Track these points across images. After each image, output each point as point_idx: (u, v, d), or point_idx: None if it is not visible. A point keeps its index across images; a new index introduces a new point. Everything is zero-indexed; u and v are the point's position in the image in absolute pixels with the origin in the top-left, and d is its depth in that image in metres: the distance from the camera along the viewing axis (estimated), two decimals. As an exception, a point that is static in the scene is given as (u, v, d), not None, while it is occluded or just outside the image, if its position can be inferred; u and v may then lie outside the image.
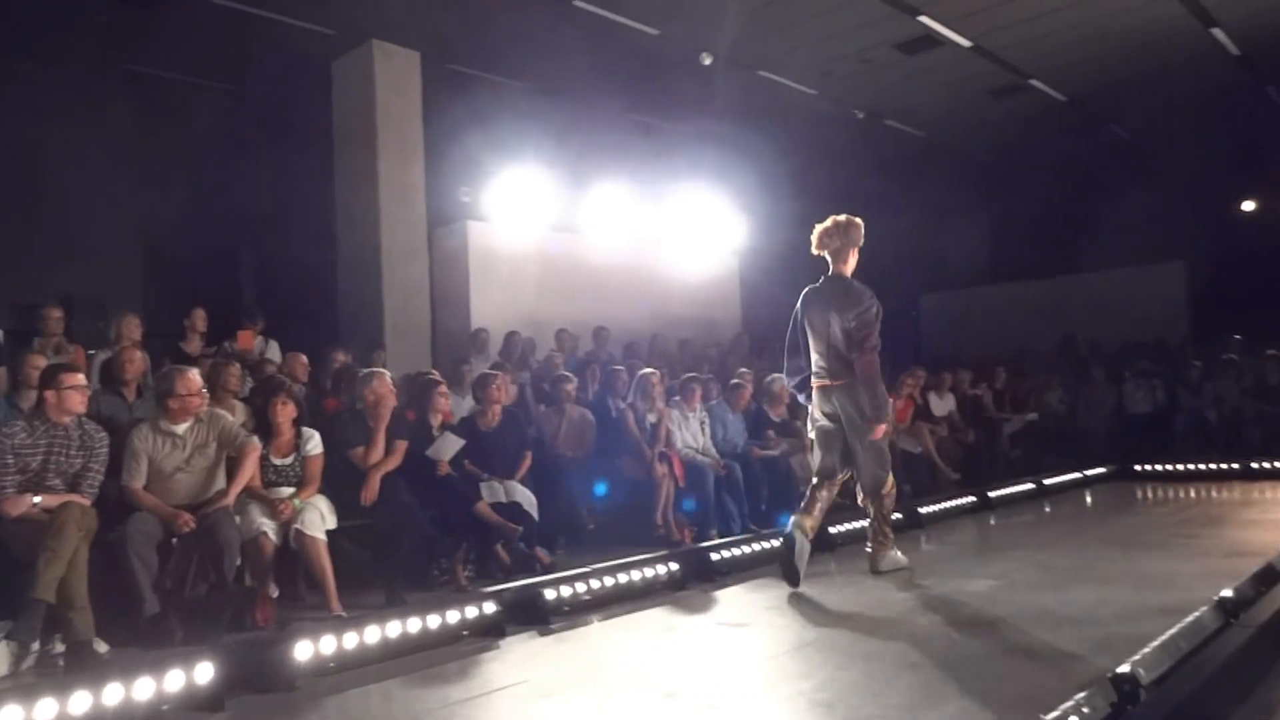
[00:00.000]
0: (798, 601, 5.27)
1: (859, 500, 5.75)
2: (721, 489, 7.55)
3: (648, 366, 8.35)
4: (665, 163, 12.07)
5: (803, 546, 5.44)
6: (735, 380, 8.58)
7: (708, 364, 10.46)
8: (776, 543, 5.99)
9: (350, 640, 4.27)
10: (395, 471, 5.72)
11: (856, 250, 5.50)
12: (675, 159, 12.17)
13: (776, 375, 8.88)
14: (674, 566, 5.73)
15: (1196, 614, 3.97)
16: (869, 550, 5.85)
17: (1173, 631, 3.70)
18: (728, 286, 13.36)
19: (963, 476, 10.03)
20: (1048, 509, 8.79)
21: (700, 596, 5.55)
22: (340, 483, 5.56)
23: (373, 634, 4.34)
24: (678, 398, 7.96)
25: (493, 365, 8.19)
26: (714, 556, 6.03)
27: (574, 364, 9.53)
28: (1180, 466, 10.18)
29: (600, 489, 7.34)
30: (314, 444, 5.47)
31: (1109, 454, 11.04)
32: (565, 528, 7.05)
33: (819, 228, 5.51)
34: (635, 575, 5.52)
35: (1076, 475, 10.00)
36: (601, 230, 11.42)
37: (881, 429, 5.40)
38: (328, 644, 4.19)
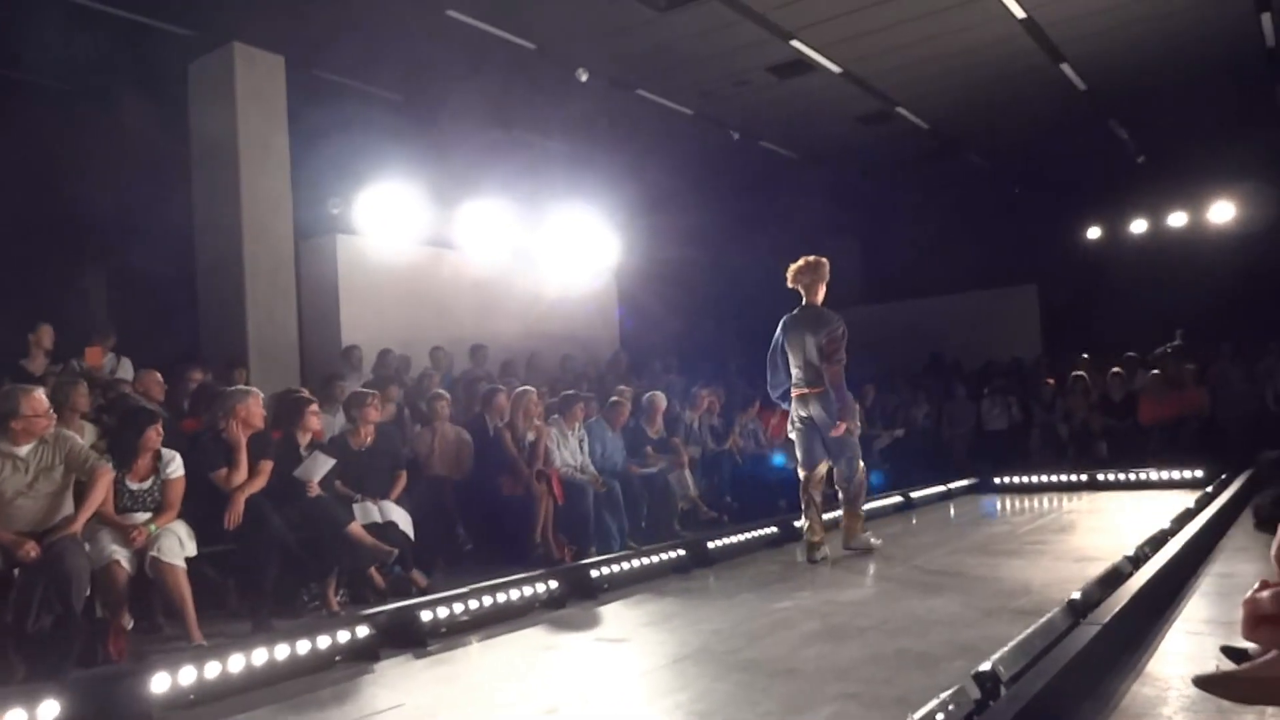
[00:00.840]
0: (676, 616, 5.35)
1: (835, 484, 6.87)
2: (601, 506, 7.60)
3: (526, 384, 8.34)
4: (542, 178, 12.09)
5: (824, 554, 6.73)
6: (614, 398, 8.65)
7: (586, 382, 10.51)
8: (657, 558, 6.43)
9: (212, 670, 4.10)
10: (261, 493, 5.57)
11: (824, 284, 6.78)
12: (552, 175, 12.20)
13: (654, 393, 9.04)
14: (553, 584, 5.76)
15: (1049, 615, 4.22)
16: (842, 529, 7.00)
17: (1028, 632, 3.92)
18: (605, 304, 13.45)
19: (836, 491, 10.37)
20: (914, 520, 9.14)
21: (580, 614, 5.59)
22: (201, 507, 5.37)
23: (237, 662, 4.18)
24: (556, 415, 7.99)
25: (366, 383, 8.03)
26: (593, 573, 6.08)
27: (450, 382, 9.43)
28: (1035, 478, 10.73)
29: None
30: (175, 466, 5.26)
31: (971, 467, 11.58)
32: (442, 549, 6.98)
33: (793, 266, 6.78)
34: (514, 594, 5.51)
35: (941, 488, 10.44)
36: (478, 246, 11.35)
37: (843, 427, 6.63)
38: (187, 675, 4.01)
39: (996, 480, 10.93)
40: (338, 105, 10.30)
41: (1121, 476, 10.30)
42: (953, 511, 9.66)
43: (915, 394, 13.44)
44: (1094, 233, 15.96)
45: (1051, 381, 12.56)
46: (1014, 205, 15.42)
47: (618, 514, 7.70)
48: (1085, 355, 13.26)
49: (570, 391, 8.49)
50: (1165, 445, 11.22)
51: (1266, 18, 10.22)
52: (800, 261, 6.81)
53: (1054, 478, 10.61)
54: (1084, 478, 10.43)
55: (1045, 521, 8.33)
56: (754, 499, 9.52)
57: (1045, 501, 9.78)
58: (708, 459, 9.47)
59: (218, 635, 4.86)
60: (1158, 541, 6.01)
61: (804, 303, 6.85)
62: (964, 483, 10.88)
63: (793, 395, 6.80)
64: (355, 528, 5.86)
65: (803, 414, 6.80)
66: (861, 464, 6.89)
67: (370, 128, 10.39)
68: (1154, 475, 10.20)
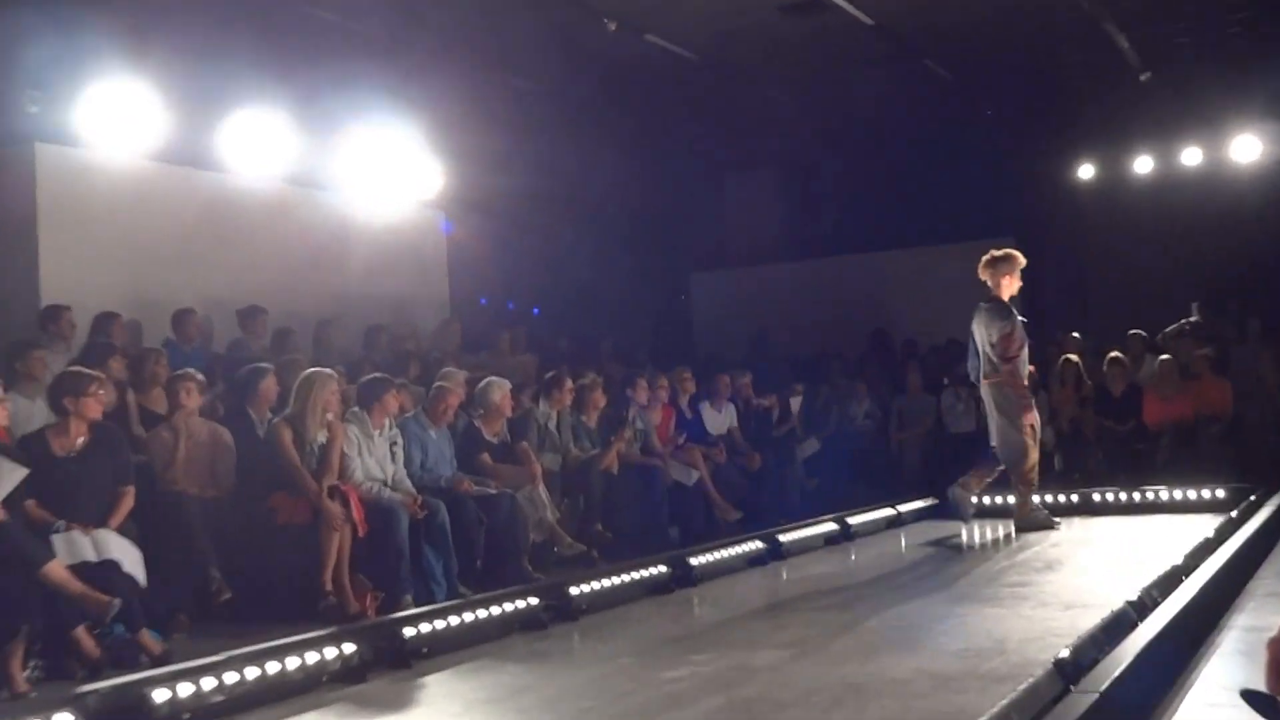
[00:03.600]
0: (526, 691, 5.29)
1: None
2: (420, 538, 7.49)
3: (315, 364, 8.13)
4: (341, 77, 11.74)
5: (967, 509, 9.72)
6: (440, 384, 8.53)
7: (401, 361, 10.32)
8: (500, 610, 6.52)
9: None
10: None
11: (1009, 277, 9.27)
12: (355, 73, 11.86)
13: (495, 380, 8.96)
14: (350, 649, 5.70)
15: (1031, 681, 4.29)
16: (1015, 509, 9.68)
17: (1003, 704, 3.98)
18: (429, 253, 13.26)
19: (745, 515, 10.40)
20: (854, 556, 9.25)
21: (388, 689, 5.55)
22: None
23: None
24: (357, 409, 7.84)
25: (76, 360, 7.68)
26: (408, 632, 6.04)
27: (204, 360, 9.15)
28: (1011, 499, 10.95)
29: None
30: None
31: (928, 483, 11.85)
32: (188, 600, 6.82)
33: (984, 258, 9.44)
34: (293, 663, 5.42)
35: (888, 511, 10.62)
36: (247, 169, 10.94)
37: (1030, 416, 9.31)
38: None
39: (960, 501, 11.21)
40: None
41: (1123, 496, 10.63)
42: (904, 543, 9.81)
43: (852, 385, 13.66)
44: (1087, 172, 16.34)
45: (1032, 369, 12.83)
46: (985, 133, 15.73)
47: (444, 548, 7.60)
48: (1075, 335, 13.63)
49: (377, 375, 8.29)
50: (1178, 455, 11.61)
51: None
52: (986, 256, 9.40)
53: (1035, 499, 10.85)
54: (1074, 498, 10.74)
55: (1025, 556, 8.54)
56: (636, 527, 9.53)
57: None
58: (571, 471, 9.43)
59: None
60: (1168, 583, 6.21)
61: (989, 294, 9.33)
62: (919, 504, 11.10)
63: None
64: (56, 569, 5.62)
65: (984, 398, 9.60)
66: (1032, 455, 9.39)
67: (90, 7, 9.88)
68: (1163, 494, 10.56)
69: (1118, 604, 5.55)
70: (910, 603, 6.90)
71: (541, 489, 8.75)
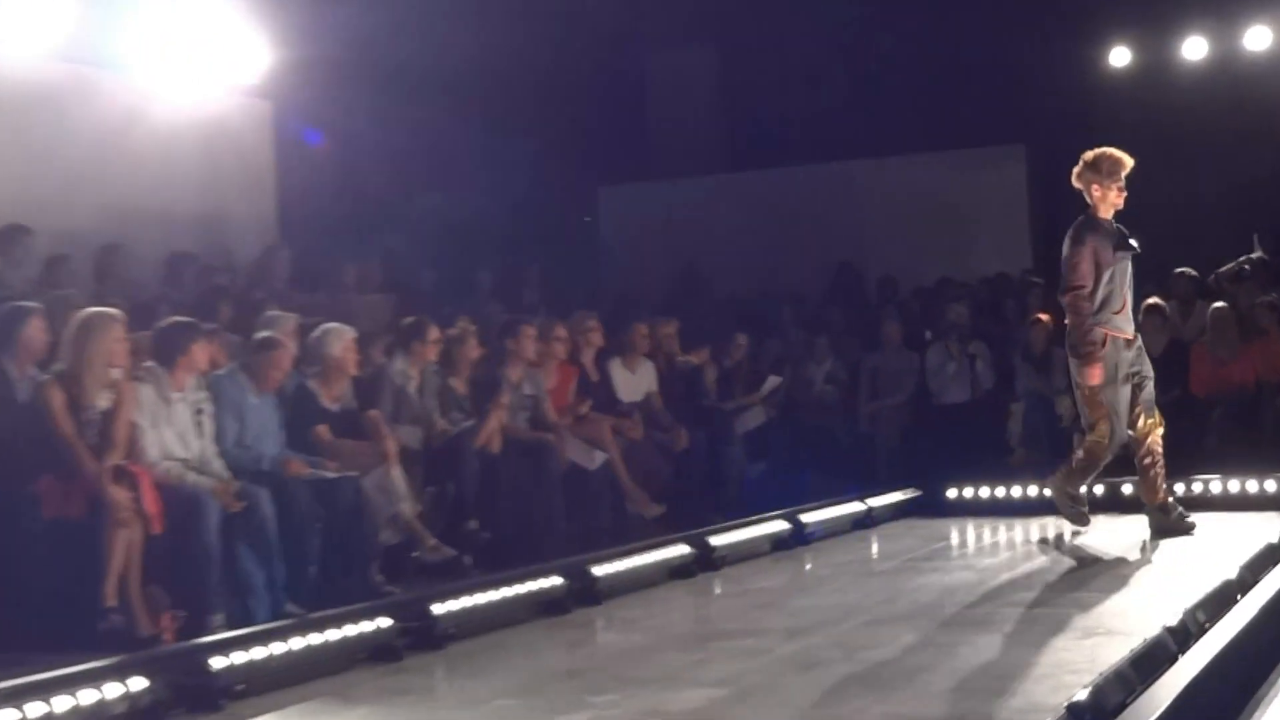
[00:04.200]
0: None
1: None
2: (234, 538, 7.48)
3: (95, 303, 8.00)
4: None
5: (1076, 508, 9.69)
6: (265, 333, 8.49)
7: (212, 301, 10.22)
8: (341, 634, 6.54)
9: None
10: None
11: (1099, 187, 9.37)
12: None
13: (335, 327, 8.90)
14: (140, 684, 5.64)
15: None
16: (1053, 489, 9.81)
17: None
18: (253, 160, 13.13)
19: (668, 510, 10.46)
20: (809, 565, 9.37)
21: None
22: None
23: None
24: (153, 364, 7.78)
25: None
26: (217, 663, 5.99)
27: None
28: (1016, 491, 11.18)
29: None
30: None
31: (908, 469, 12.04)
32: None
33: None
34: (62, 705, 5.35)
35: (855, 506, 10.72)
36: (8, 44, 10.79)
37: (1087, 372, 9.15)
38: None
39: (951, 493, 11.32)
40: None
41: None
42: (876, 549, 9.94)
43: (810, 338, 13.74)
44: (1120, 58, 16.39)
45: (1047, 318, 12.93)
46: (989, 7, 15.77)
47: (266, 552, 7.58)
48: None
49: (180, 319, 8.21)
50: (1235, 434, 11.71)
51: None
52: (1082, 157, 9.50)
53: (1049, 491, 10.92)
54: (1099, 490, 10.85)
55: (1033, 567, 8.68)
56: (523, 525, 9.59)
57: (1034, 531, 10.21)
58: (437, 449, 9.42)
59: None
60: (1219, 603, 6.26)
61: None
62: (896, 497, 11.24)
63: None
64: None
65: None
66: (1105, 425, 9.27)
67: None
68: (1215, 487, 10.71)
69: (1152, 631, 5.56)
70: (882, 628, 6.93)
71: (397, 473, 8.73)
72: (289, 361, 8.50)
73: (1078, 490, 9.63)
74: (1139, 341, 9.51)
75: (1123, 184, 9.35)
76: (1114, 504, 10.58)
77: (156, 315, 8.92)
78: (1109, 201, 9.40)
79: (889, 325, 13.65)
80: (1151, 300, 12.45)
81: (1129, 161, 9.36)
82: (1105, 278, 9.24)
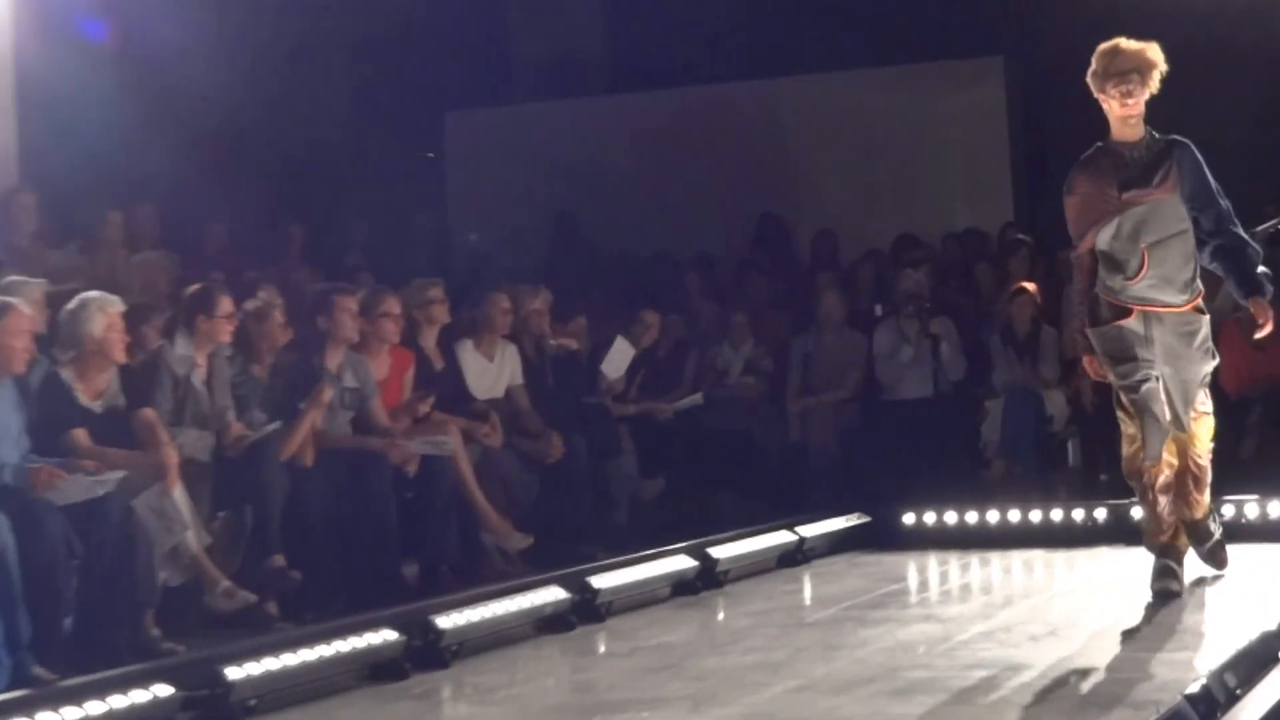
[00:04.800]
0: None
1: None
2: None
3: None
4: None
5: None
6: (2, 299, 8.39)
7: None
8: (99, 708, 6.42)
9: None
10: None
11: (1100, 95, 8.88)
12: None
13: (95, 296, 8.83)
14: None
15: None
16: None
17: None
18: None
19: (537, 542, 10.49)
20: (720, 615, 9.49)
21: None
22: None
23: None
24: None
25: None
26: None
27: None
28: (992, 516, 11.36)
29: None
30: None
31: (849, 487, 12.29)
32: None
33: None
34: None
35: (783, 537, 10.85)
36: None
37: (1084, 362, 9.28)
38: None
39: (908, 519, 11.51)
40: None
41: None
42: (809, 593, 10.10)
43: (725, 312, 13.82)
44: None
45: (1032, 288, 13.11)
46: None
47: (4, 596, 7.53)
48: None
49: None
50: (1275, 440, 12.02)
51: None
52: None
53: (1036, 515, 11.22)
54: (1100, 514, 11.13)
55: (1014, 617, 8.79)
56: (345, 560, 9.67)
57: (1016, 568, 10.41)
58: (232, 461, 9.41)
59: None
60: (1255, 663, 6.36)
61: None
62: (835, 524, 11.40)
63: None
64: None
65: None
66: (1127, 426, 9.00)
67: None
68: (1250, 510, 10.90)
69: (1169, 700, 5.65)
70: (817, 697, 6.97)
71: (179, 492, 8.74)
72: (28, 334, 8.37)
73: (1157, 518, 9.11)
74: (1184, 320, 8.91)
75: (1126, 84, 8.72)
76: (1123, 531, 10.75)
77: None
78: (1115, 115, 8.89)
79: (827, 297, 13.75)
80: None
81: (1129, 48, 8.84)
82: (1111, 229, 8.78)
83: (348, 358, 10.32)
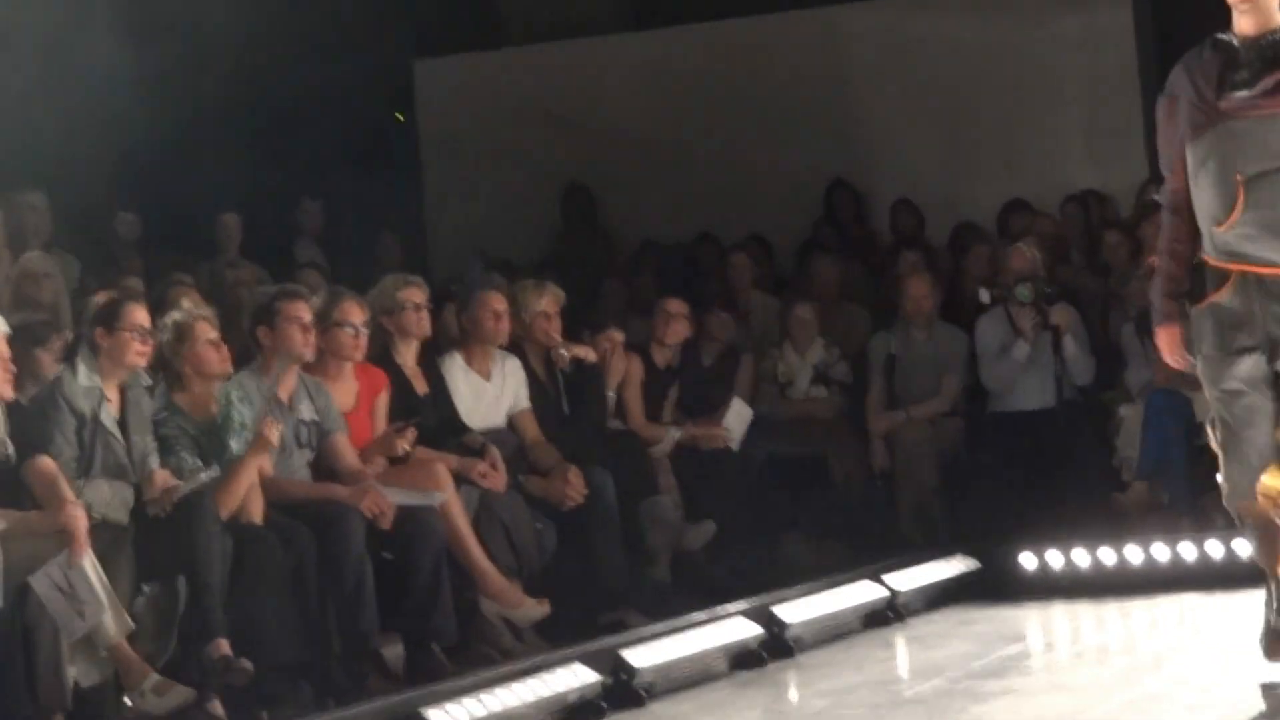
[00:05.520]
0: None
1: None
2: None
3: None
4: None
5: None
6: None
7: None
8: None
9: None
10: None
11: None
12: None
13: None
14: None
15: None
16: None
17: None
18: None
19: (554, 609, 10.44)
20: (792, 693, 9.41)
21: None
22: None
23: None
24: None
25: None
26: None
27: None
28: (1133, 554, 11.41)
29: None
30: None
31: (951, 524, 12.41)
32: None
33: None
34: None
35: (869, 591, 10.88)
36: None
37: (1159, 341, 8.48)
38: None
39: (1027, 562, 11.50)
40: None
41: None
42: (905, 661, 10.10)
43: (785, 305, 13.81)
44: None
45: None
46: None
47: None
48: (1157, 196, 13.99)
49: None
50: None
51: None
52: None
53: (1188, 550, 11.26)
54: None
55: (1166, 680, 8.79)
56: (306, 643, 9.61)
57: (1166, 619, 10.51)
58: (160, 524, 9.34)
59: None
60: None
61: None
62: (936, 572, 11.48)
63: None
64: None
65: None
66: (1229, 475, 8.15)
67: None
68: None
69: None
70: None
71: (89, 563, 8.69)
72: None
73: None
74: None
75: None
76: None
77: None
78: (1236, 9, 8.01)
79: (914, 284, 13.78)
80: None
81: None
82: (1201, 150, 7.95)
83: (302, 382, 10.23)
